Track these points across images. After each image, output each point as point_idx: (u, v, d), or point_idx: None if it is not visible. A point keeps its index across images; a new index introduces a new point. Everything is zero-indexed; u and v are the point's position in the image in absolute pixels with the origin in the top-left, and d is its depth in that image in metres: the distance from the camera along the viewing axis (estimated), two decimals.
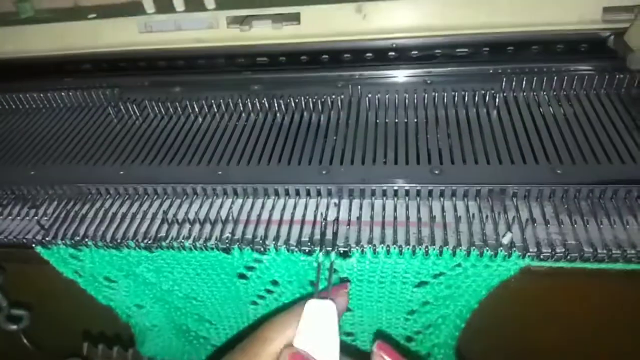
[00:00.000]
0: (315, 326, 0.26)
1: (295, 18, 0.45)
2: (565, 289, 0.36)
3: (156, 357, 0.41)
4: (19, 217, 0.36)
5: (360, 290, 0.31)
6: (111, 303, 0.36)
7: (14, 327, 0.49)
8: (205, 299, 0.35)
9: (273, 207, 0.33)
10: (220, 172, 0.35)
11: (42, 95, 0.46)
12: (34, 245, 0.33)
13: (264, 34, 0.45)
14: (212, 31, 0.46)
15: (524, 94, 0.39)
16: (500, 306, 0.37)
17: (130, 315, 0.37)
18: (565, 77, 0.39)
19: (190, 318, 0.37)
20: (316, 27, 0.44)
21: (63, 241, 0.32)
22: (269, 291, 0.33)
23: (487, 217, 0.30)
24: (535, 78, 0.39)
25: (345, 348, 0.26)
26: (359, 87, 0.41)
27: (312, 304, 0.26)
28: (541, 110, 0.37)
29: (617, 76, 0.38)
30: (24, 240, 0.33)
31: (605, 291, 0.36)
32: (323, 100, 0.40)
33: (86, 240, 0.32)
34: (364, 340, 0.35)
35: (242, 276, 0.33)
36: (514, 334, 0.40)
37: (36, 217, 0.35)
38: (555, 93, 0.38)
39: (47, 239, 0.33)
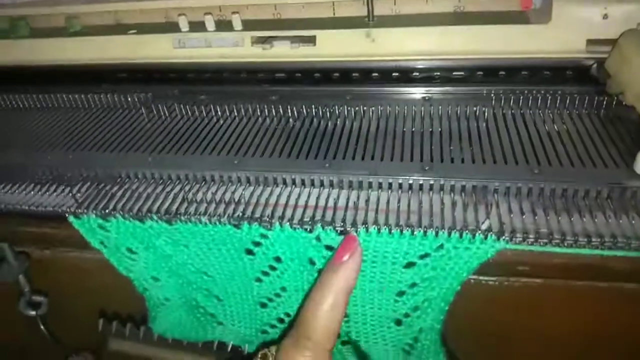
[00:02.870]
0: None
1: (312, 40, 0.50)
2: (550, 304, 0.39)
3: (166, 334, 0.44)
4: (55, 194, 0.40)
5: None
6: (130, 274, 0.40)
7: (33, 312, 0.52)
8: (215, 273, 0.39)
9: (281, 193, 0.37)
10: (236, 162, 0.39)
11: (82, 96, 0.52)
12: (67, 215, 0.38)
13: (282, 52, 0.51)
14: (237, 49, 0.52)
15: (512, 111, 0.43)
16: (484, 321, 0.40)
17: (146, 288, 0.41)
18: (550, 98, 0.43)
19: (200, 293, 0.41)
20: (330, 48, 0.50)
21: (94, 212, 0.37)
22: (272, 267, 0.37)
23: (469, 208, 0.34)
24: (522, 98, 0.43)
25: None
26: (365, 100, 0.46)
27: None
28: (526, 124, 0.41)
29: (597, 98, 0.42)
30: (59, 210, 0.38)
31: (590, 308, 0.38)
32: (332, 110, 0.45)
33: (114, 212, 0.36)
34: (357, 322, 0.38)
35: (249, 252, 0.36)
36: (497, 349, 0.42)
37: (71, 193, 0.40)
38: (540, 111, 0.43)
39: (79, 210, 0.37)
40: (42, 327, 0.54)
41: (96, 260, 0.41)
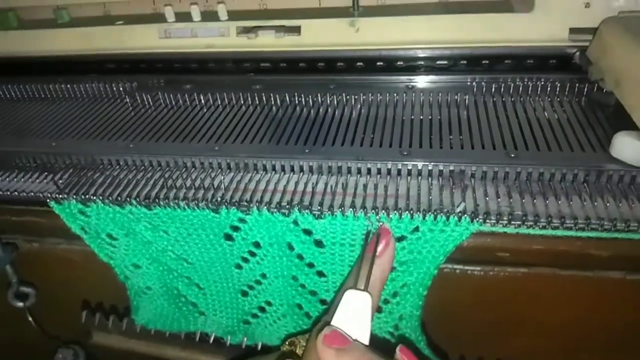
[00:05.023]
0: (349, 316, 0.28)
1: (296, 30, 0.51)
2: (537, 294, 0.38)
3: (148, 326, 0.45)
4: (37, 180, 0.41)
5: (334, 253, 0.35)
6: (111, 261, 0.40)
7: (21, 304, 0.52)
8: (195, 260, 0.39)
9: (260, 179, 0.37)
10: (216, 148, 0.39)
11: (68, 86, 0.52)
12: (48, 200, 0.38)
13: (267, 42, 0.51)
14: (222, 39, 0.52)
15: (494, 99, 0.43)
16: (470, 311, 0.40)
17: (127, 276, 0.41)
18: (531, 86, 0.43)
19: (181, 282, 0.41)
20: (314, 38, 0.50)
21: (74, 197, 0.37)
22: (252, 253, 0.37)
23: (446, 191, 0.34)
24: (504, 86, 0.44)
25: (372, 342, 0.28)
26: (349, 89, 0.46)
27: (350, 294, 0.29)
28: (506, 112, 0.41)
29: (578, 85, 0.42)
30: (40, 195, 0.38)
31: (577, 298, 0.38)
32: (315, 98, 0.45)
33: (93, 197, 0.37)
34: None
35: (228, 237, 0.36)
36: (485, 340, 0.43)
37: (53, 180, 0.40)
38: (521, 99, 0.43)
39: (60, 195, 0.37)
40: (30, 318, 0.55)
41: (84, 253, 0.41)
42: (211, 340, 0.45)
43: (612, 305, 0.38)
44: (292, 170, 0.38)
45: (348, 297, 0.29)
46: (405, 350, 0.28)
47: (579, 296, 0.38)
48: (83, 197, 0.37)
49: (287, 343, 0.34)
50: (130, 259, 0.40)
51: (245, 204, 0.34)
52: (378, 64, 0.49)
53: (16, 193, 0.39)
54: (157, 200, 0.35)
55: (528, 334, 0.41)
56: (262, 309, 0.41)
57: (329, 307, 0.36)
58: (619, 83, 0.38)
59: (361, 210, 0.32)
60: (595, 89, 0.42)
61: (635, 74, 0.36)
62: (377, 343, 0.29)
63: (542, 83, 0.44)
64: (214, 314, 0.42)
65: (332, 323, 0.28)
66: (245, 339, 0.44)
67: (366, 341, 0.28)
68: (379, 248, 0.31)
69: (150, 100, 0.48)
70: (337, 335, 0.27)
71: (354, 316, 0.28)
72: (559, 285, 0.38)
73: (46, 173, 0.41)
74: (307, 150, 0.38)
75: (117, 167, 0.40)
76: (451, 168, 0.35)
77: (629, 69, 0.37)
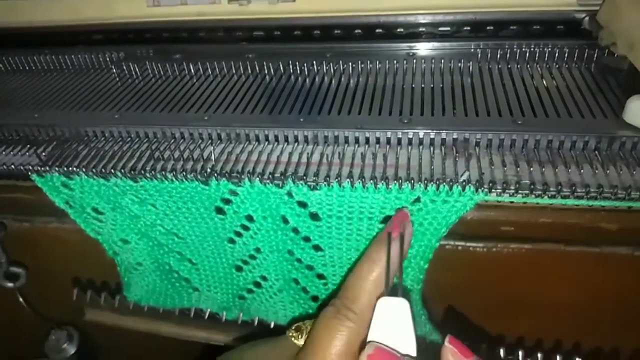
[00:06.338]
0: (389, 327, 0.26)
1: None
2: (541, 271, 0.37)
3: (141, 302, 0.43)
4: (20, 154, 0.39)
5: (330, 227, 0.33)
6: (99, 237, 0.39)
7: (11, 284, 0.51)
8: (185, 235, 0.37)
9: (252, 150, 0.35)
10: (206, 118, 0.37)
11: (54, 57, 0.50)
12: (29, 173, 0.36)
13: (261, 9, 0.49)
14: (214, 6, 0.50)
15: (499, 66, 0.41)
16: (472, 288, 0.39)
17: (116, 251, 0.40)
18: (538, 52, 0.41)
19: (173, 257, 0.39)
20: (310, 4, 0.48)
21: (56, 169, 0.35)
22: (244, 227, 0.35)
23: (449, 160, 0.32)
24: (509, 52, 0.41)
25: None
26: (346, 57, 0.44)
27: (384, 302, 0.26)
28: (513, 79, 0.39)
29: (588, 51, 0.40)
30: (22, 168, 0.36)
31: (583, 275, 0.37)
32: (310, 67, 0.43)
33: (76, 169, 0.35)
34: (335, 284, 0.37)
35: (219, 211, 0.35)
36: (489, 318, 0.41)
37: (36, 153, 0.38)
38: (528, 66, 0.41)
39: (42, 167, 0.35)
40: (20, 299, 0.53)
41: (75, 231, 0.40)
42: (206, 316, 0.44)
43: (620, 283, 0.37)
44: (287, 140, 0.36)
45: (383, 306, 0.26)
46: (455, 341, 0.26)
47: (585, 273, 0.37)
48: (65, 169, 0.35)
49: (293, 328, 0.33)
50: (118, 234, 0.38)
51: (236, 175, 0.33)
52: (377, 31, 0.47)
53: None
54: (142, 172, 0.34)
55: (532, 311, 0.40)
56: (258, 284, 0.40)
57: (338, 289, 0.34)
58: (634, 46, 0.36)
59: (359, 180, 0.30)
60: (605, 55, 0.40)
61: None
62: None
63: (550, 49, 0.41)
64: (208, 289, 0.41)
65: (371, 338, 0.26)
66: (241, 314, 0.42)
67: (414, 352, 0.25)
68: (395, 232, 0.29)
69: (138, 70, 0.46)
70: (383, 354, 0.25)
71: (394, 327, 0.26)
72: (564, 262, 0.36)
73: (29, 146, 0.39)
74: (301, 120, 0.36)
75: (102, 138, 0.38)
76: (454, 136, 0.33)
77: None
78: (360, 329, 0.28)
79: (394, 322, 0.26)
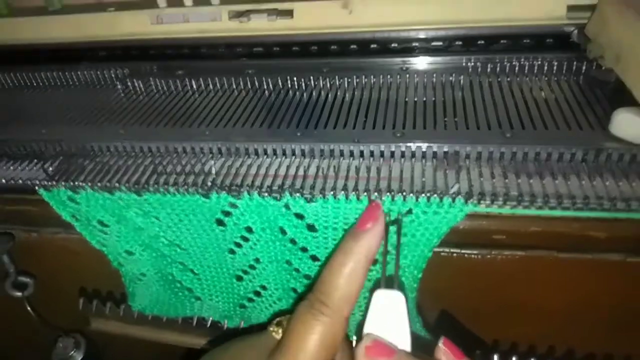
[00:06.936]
0: (385, 320, 0.27)
1: (289, 13, 0.50)
2: (534, 278, 0.38)
3: (145, 311, 0.44)
4: (27, 168, 0.40)
5: (326, 237, 0.34)
6: (104, 248, 0.40)
7: (19, 293, 0.52)
8: (188, 246, 0.38)
9: (251, 164, 0.37)
10: (207, 132, 0.39)
11: (60, 74, 0.51)
12: (37, 187, 0.37)
13: (260, 26, 0.50)
14: (214, 23, 0.51)
15: (489, 79, 0.42)
16: (466, 295, 0.40)
17: (121, 262, 0.41)
18: (527, 65, 0.42)
19: (176, 267, 0.41)
20: (307, 21, 0.49)
21: (62, 184, 0.36)
22: (244, 238, 0.37)
23: (440, 173, 0.33)
24: (499, 66, 0.43)
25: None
26: (342, 72, 0.45)
27: (379, 294, 0.27)
28: (502, 92, 0.40)
29: (576, 64, 0.41)
30: (29, 182, 0.37)
31: (576, 282, 0.37)
32: (308, 82, 0.45)
33: (82, 184, 0.36)
34: None
35: (219, 222, 0.36)
36: (483, 324, 0.42)
37: (43, 168, 0.39)
38: (518, 79, 0.42)
39: (48, 182, 0.37)
40: (28, 308, 0.54)
41: (82, 241, 0.41)
42: (208, 325, 0.45)
43: (613, 288, 0.37)
44: (284, 154, 0.37)
45: (378, 298, 0.27)
46: (448, 342, 0.27)
47: (578, 280, 0.38)
48: (72, 183, 0.36)
49: (274, 323, 0.33)
50: (122, 245, 0.40)
51: (236, 188, 0.34)
52: (372, 46, 0.48)
53: (4, 181, 0.39)
54: (146, 185, 0.35)
55: (526, 317, 0.41)
56: (258, 293, 0.41)
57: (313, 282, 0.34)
58: (620, 58, 0.37)
59: (353, 193, 0.32)
60: (593, 67, 0.41)
61: (638, 48, 0.35)
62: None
63: (539, 62, 0.43)
64: (209, 298, 0.42)
65: (367, 330, 0.26)
66: (242, 322, 0.43)
67: (408, 347, 0.26)
68: (367, 225, 0.30)
69: (142, 86, 0.48)
70: (381, 346, 0.25)
71: (390, 320, 0.26)
72: (557, 268, 0.37)
73: (36, 160, 0.40)
74: (299, 134, 0.37)
75: (108, 153, 0.40)
76: (445, 149, 0.34)
77: (631, 43, 0.36)
78: (335, 322, 0.28)
79: (389, 314, 0.26)
